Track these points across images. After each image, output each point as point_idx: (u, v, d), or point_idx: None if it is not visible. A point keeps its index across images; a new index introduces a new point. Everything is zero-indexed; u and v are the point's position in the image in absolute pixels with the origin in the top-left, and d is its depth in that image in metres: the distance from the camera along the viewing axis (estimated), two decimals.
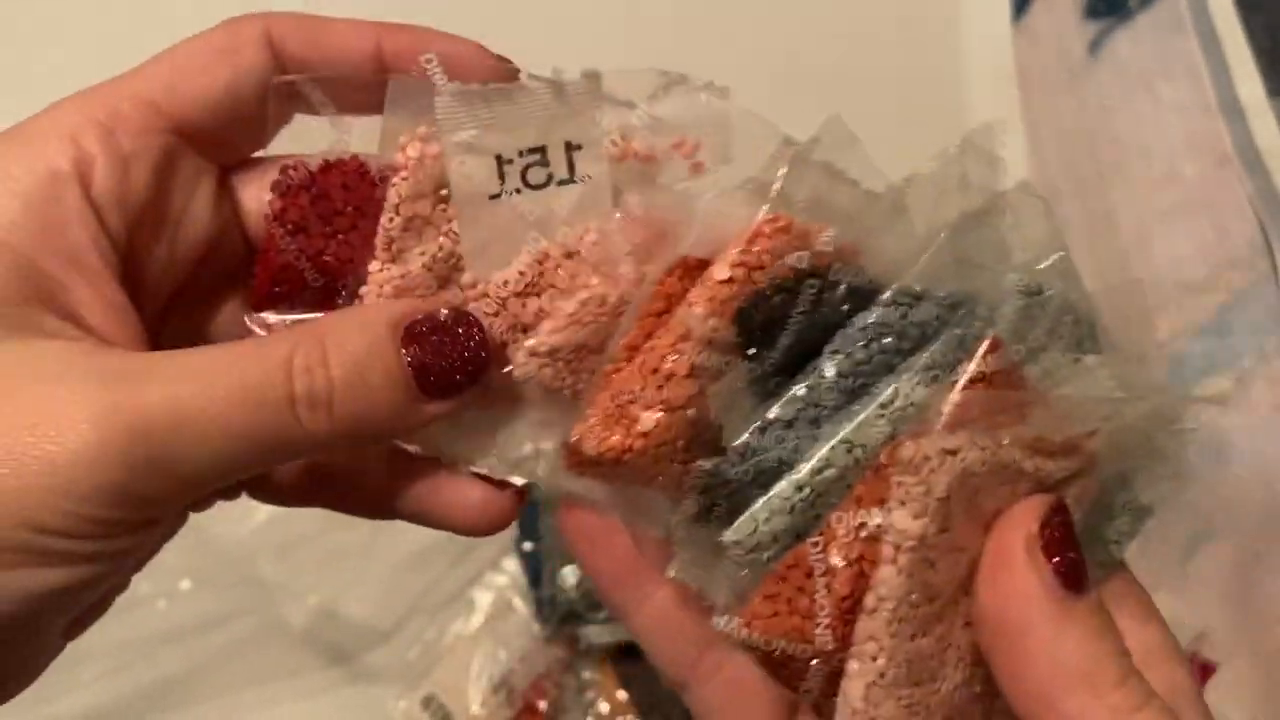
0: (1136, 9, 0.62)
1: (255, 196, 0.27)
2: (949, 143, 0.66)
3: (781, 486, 0.24)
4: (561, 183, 0.25)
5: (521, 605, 0.59)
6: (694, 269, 0.25)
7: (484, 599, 0.60)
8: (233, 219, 0.27)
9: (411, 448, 0.27)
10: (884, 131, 0.68)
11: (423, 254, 0.26)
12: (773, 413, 0.24)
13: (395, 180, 0.25)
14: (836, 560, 0.23)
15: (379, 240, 0.25)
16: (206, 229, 0.26)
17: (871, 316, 0.24)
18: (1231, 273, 0.53)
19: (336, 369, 0.23)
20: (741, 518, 0.24)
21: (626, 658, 0.57)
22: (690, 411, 0.24)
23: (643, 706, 0.57)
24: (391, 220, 0.25)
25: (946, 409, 0.22)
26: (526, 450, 0.27)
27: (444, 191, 0.25)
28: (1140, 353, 0.26)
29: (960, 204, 0.26)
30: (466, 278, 0.26)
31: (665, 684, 0.28)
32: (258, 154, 0.27)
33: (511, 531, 0.60)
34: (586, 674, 0.59)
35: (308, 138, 0.26)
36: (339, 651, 0.60)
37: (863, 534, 0.23)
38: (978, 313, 0.24)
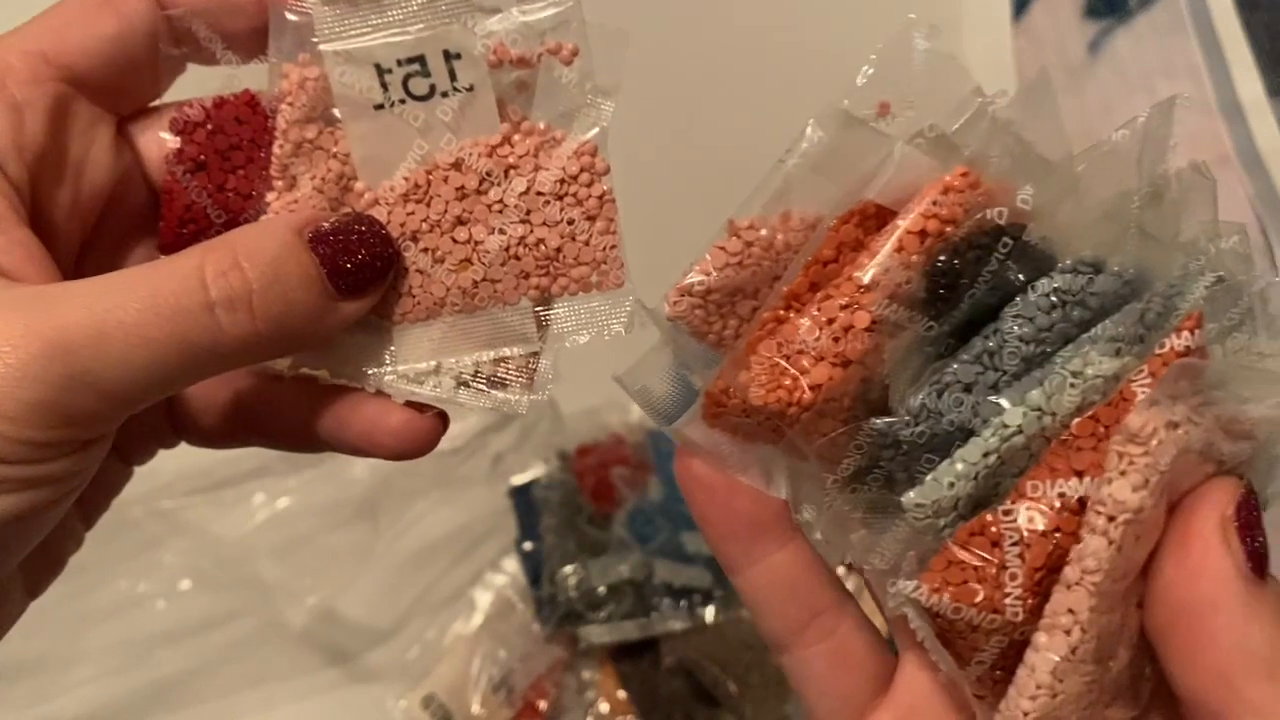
0: (1136, 9, 0.62)
1: (155, 142, 0.27)
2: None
3: (967, 450, 0.23)
4: (444, 94, 0.26)
5: (521, 605, 0.59)
6: (872, 217, 0.25)
7: (484, 599, 0.60)
8: (135, 166, 0.27)
9: (319, 372, 0.27)
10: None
11: (313, 178, 0.26)
12: (950, 375, 0.23)
13: (281, 107, 0.26)
14: (1032, 529, 0.22)
15: (273, 169, 0.26)
16: (107, 174, 0.26)
17: (1056, 283, 0.23)
18: None
19: (251, 271, 0.23)
20: (926, 480, 0.23)
21: (626, 657, 0.57)
22: (863, 368, 0.24)
23: (643, 706, 0.57)
24: (281, 147, 0.26)
25: (1155, 383, 0.22)
26: (425, 366, 0.27)
27: (333, 113, 0.26)
28: None
29: (1133, 180, 0.26)
30: (359, 185, 0.27)
31: (765, 642, 0.28)
32: (154, 103, 0.28)
33: (511, 531, 0.60)
34: (586, 674, 0.59)
35: (201, 89, 0.27)
36: (339, 651, 0.60)
37: (1060, 504, 0.22)
38: (1157, 289, 0.24)
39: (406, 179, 0.26)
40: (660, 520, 0.55)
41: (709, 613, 0.55)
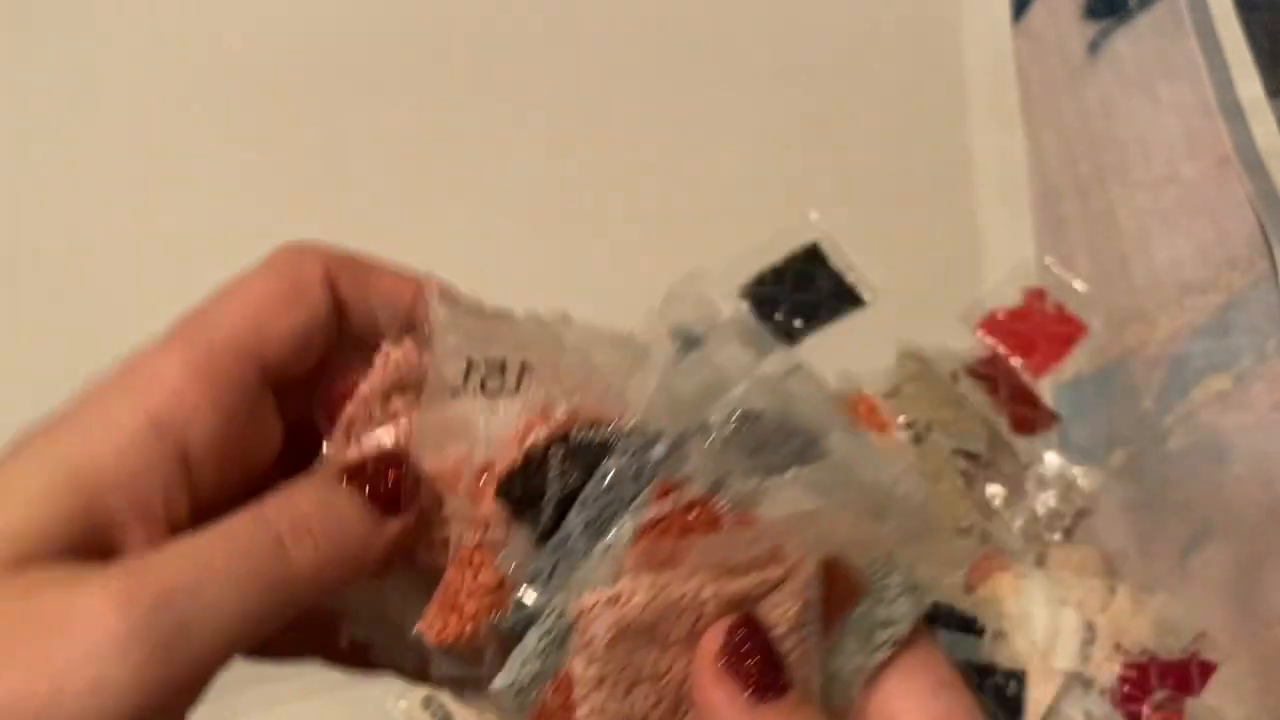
0: (1136, 9, 0.62)
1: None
2: (949, 141, 0.66)
3: (530, 634, 0.25)
4: (507, 395, 0.28)
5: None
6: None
7: None
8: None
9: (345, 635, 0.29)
10: (884, 133, 0.69)
11: (367, 438, 0.28)
12: (532, 569, 0.26)
13: (369, 375, 0.28)
14: (557, 704, 0.25)
15: (339, 423, 0.28)
16: (272, 454, 0.27)
17: (611, 465, 0.26)
18: (1231, 273, 0.53)
19: (307, 505, 0.25)
20: (505, 666, 0.26)
21: None
22: (497, 590, 0.27)
23: None
24: (354, 407, 0.28)
25: (625, 556, 0.25)
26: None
27: (402, 391, 0.28)
28: (864, 451, 0.28)
29: (673, 346, 0.29)
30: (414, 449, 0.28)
31: None
32: None
33: None
34: None
35: None
36: None
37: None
38: (688, 449, 0.26)
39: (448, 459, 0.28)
40: None
41: None
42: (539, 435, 0.26)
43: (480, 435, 0.27)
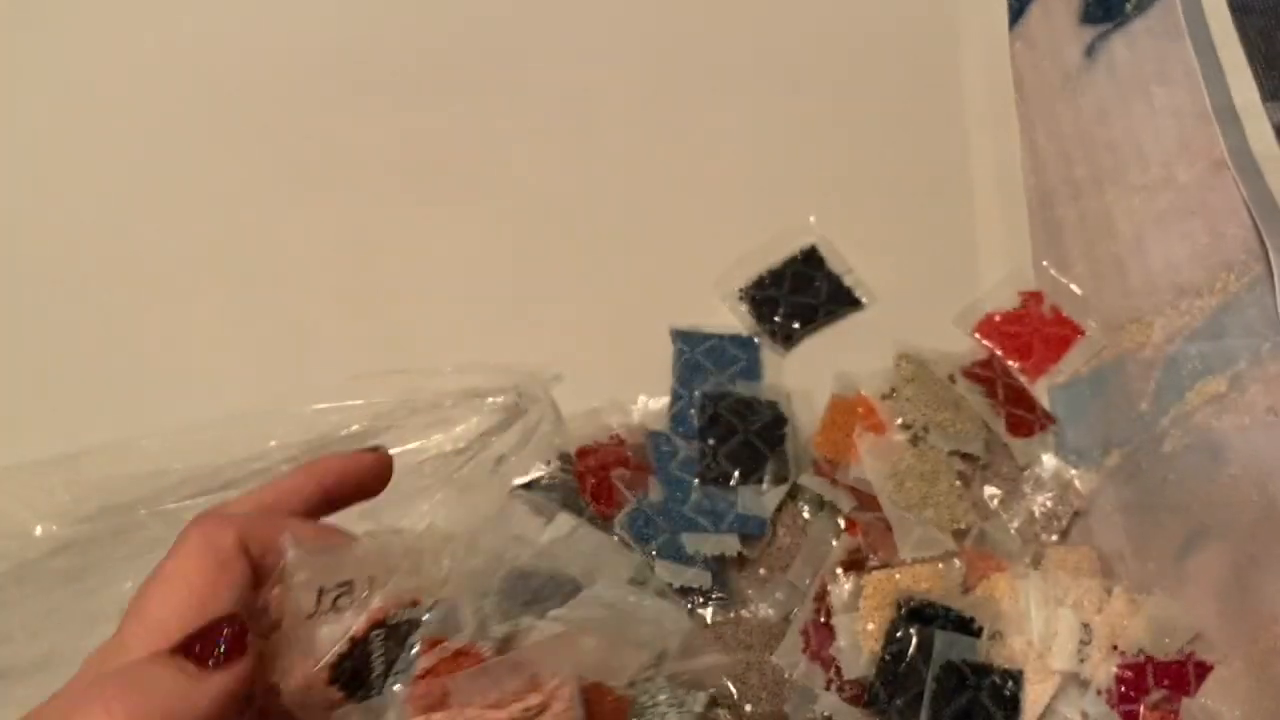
0: (1132, 14, 0.63)
1: None
2: (946, 145, 0.67)
3: None
4: (357, 606, 0.32)
5: None
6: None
7: None
8: None
9: None
10: (883, 136, 0.69)
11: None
12: None
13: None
14: None
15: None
16: None
17: (415, 636, 0.31)
18: (1226, 276, 0.53)
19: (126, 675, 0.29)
20: None
21: None
22: None
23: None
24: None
25: (405, 703, 0.29)
26: None
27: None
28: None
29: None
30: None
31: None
32: None
33: None
34: None
35: None
36: None
37: None
38: (460, 610, 0.31)
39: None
40: (660, 521, 0.55)
41: (709, 613, 0.55)
42: (361, 625, 0.31)
43: (328, 645, 0.32)
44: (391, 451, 0.36)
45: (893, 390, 0.56)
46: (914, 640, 0.49)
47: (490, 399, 0.58)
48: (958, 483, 0.53)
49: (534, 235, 0.63)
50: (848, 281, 0.61)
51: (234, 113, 0.65)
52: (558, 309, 0.61)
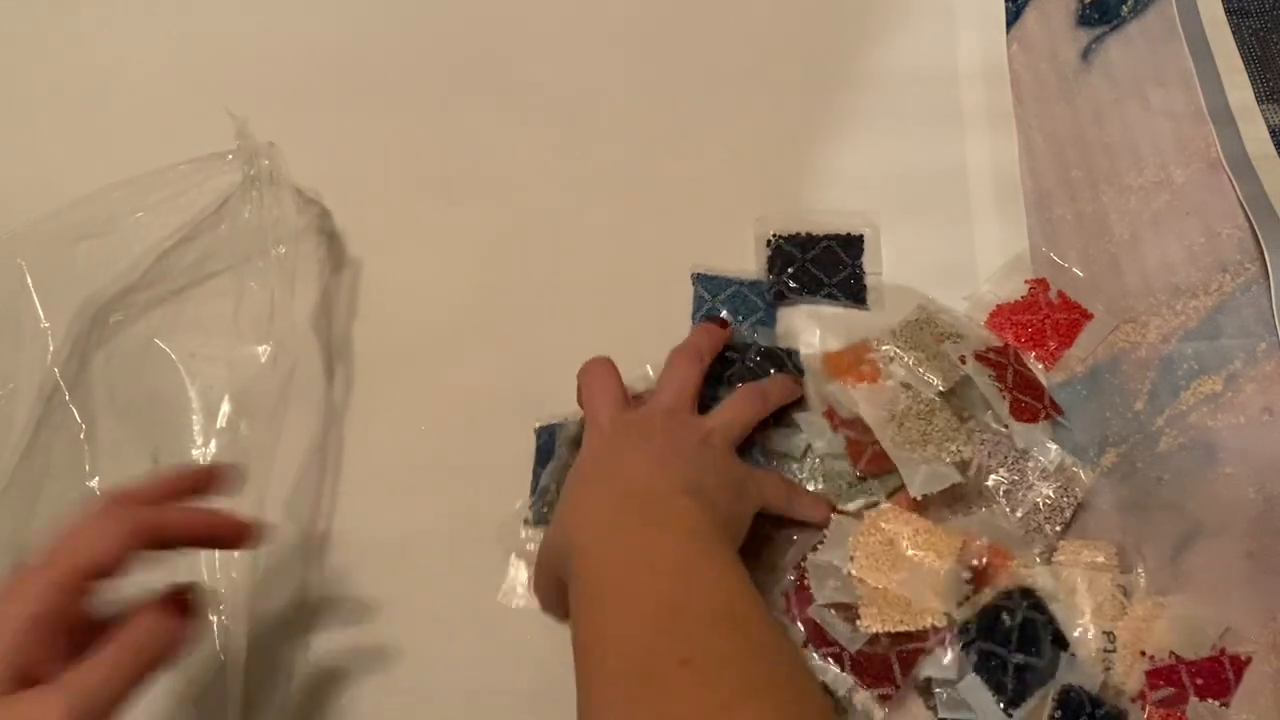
0: (1128, 16, 0.63)
1: None
2: (941, 149, 0.66)
3: None
4: None
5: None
6: None
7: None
8: None
9: None
10: (880, 137, 0.69)
11: None
12: None
13: None
14: None
15: None
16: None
17: None
18: (1222, 276, 0.53)
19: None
20: None
21: None
22: None
23: None
24: None
25: None
26: None
27: None
28: None
29: None
30: None
31: None
32: None
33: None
34: None
35: None
36: None
37: None
38: None
39: None
40: None
41: None
42: None
43: None
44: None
45: (892, 334, 0.57)
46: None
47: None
48: (952, 416, 0.54)
49: (537, 228, 0.63)
50: (867, 280, 0.60)
51: (233, 112, 0.65)
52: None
